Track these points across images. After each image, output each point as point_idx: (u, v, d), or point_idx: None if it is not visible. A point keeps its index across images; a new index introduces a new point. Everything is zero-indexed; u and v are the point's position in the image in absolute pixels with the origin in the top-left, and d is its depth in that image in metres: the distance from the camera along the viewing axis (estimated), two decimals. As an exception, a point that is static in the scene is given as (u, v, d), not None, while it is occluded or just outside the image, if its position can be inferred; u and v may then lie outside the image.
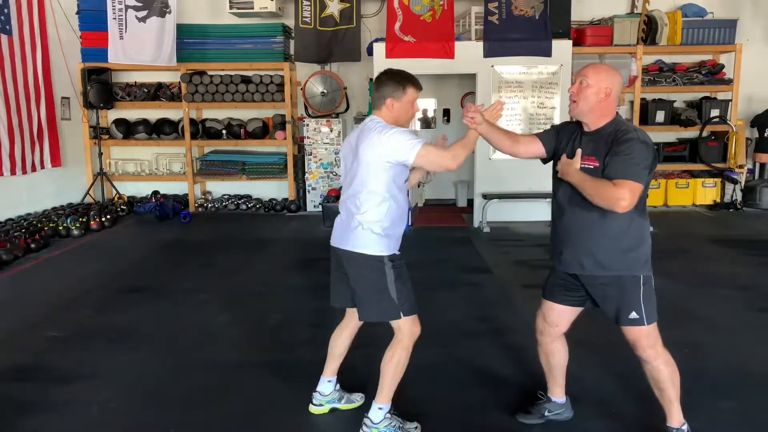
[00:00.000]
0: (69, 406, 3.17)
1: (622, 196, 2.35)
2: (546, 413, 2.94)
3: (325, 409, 3.08)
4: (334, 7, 7.98)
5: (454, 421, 3.00)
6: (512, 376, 3.47)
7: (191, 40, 8.46)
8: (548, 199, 7.57)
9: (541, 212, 7.76)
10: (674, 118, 8.56)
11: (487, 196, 7.46)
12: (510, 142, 2.79)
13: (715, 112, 8.46)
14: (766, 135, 8.55)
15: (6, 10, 7.05)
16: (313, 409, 3.08)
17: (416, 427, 2.87)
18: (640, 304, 2.53)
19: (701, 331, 4.10)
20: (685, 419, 2.68)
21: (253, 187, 9.16)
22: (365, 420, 2.82)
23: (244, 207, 8.78)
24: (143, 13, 8.01)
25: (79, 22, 8.40)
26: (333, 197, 7.84)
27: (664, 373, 2.59)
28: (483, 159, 7.62)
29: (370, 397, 3.10)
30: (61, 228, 7.02)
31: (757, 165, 8.88)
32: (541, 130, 2.87)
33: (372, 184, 2.69)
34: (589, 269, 2.59)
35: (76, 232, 7.04)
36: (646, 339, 2.57)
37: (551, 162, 2.80)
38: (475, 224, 7.62)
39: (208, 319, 4.46)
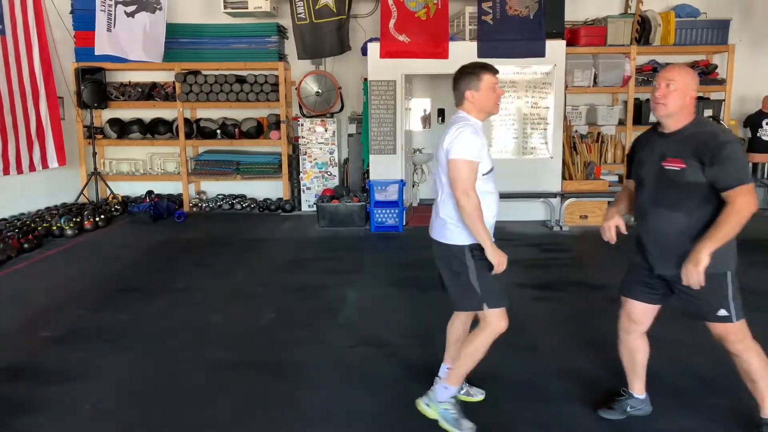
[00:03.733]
0: (62, 405, 3.18)
1: (746, 203, 2.42)
2: (628, 409, 2.98)
3: None
4: (327, -4, 7.92)
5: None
6: (505, 374, 3.49)
7: (185, 40, 8.45)
8: (541, 199, 7.63)
9: (535, 212, 7.80)
10: (668, 118, 8.57)
11: (481, 196, 7.46)
12: (632, 203, 2.87)
13: (708, 112, 8.48)
14: (758, 135, 8.60)
15: (-2, 9, 7.03)
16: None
17: (471, 428, 2.85)
18: (729, 300, 2.57)
19: (692, 329, 4.08)
20: None
21: (247, 187, 9.15)
22: (429, 392, 2.88)
23: (238, 207, 8.77)
24: (132, 8, 7.96)
25: (72, 21, 8.39)
26: (327, 197, 7.84)
27: (755, 365, 2.64)
28: (477, 159, 7.63)
29: (490, 394, 3.20)
30: (54, 228, 7.01)
31: (750, 165, 8.92)
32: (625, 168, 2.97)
33: (444, 175, 2.76)
34: (679, 269, 2.57)
35: (69, 232, 7.03)
36: (735, 334, 2.61)
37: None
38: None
39: (201, 318, 4.46)
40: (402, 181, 7.54)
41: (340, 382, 3.43)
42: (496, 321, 2.78)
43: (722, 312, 2.58)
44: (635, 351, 2.92)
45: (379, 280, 5.38)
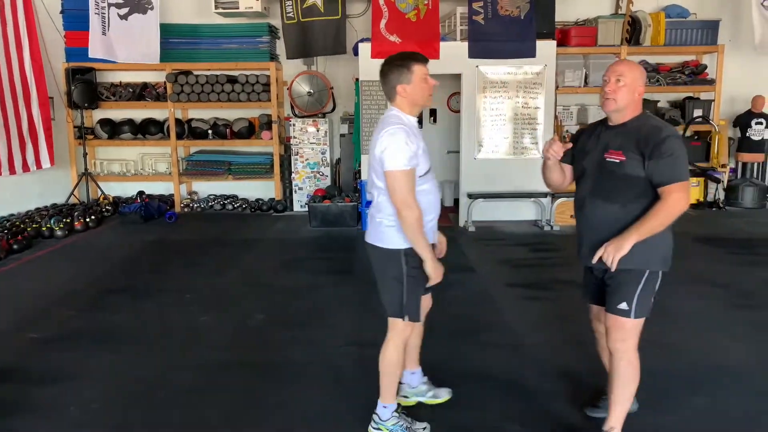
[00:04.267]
0: (50, 407, 3.17)
1: (678, 200, 2.42)
2: None
3: (411, 401, 3.10)
4: (316, -4, 7.89)
5: (437, 420, 3.01)
6: (493, 374, 3.50)
7: (176, 40, 8.43)
8: (532, 199, 7.65)
9: (525, 212, 7.81)
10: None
11: (472, 196, 7.50)
12: (563, 178, 2.86)
13: (698, 112, 8.54)
14: (747, 135, 8.67)
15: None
16: (399, 399, 3.06)
17: (425, 428, 2.87)
18: (634, 297, 2.54)
19: (681, 327, 4.16)
20: None
21: (239, 187, 9.14)
22: (374, 416, 2.84)
23: (230, 207, 8.75)
24: (125, 11, 7.97)
25: (63, 21, 8.35)
26: (319, 197, 7.84)
27: (620, 371, 2.59)
28: (468, 159, 7.66)
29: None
30: (44, 229, 6.98)
31: (739, 164, 8.98)
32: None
33: (380, 178, 2.64)
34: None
35: (59, 233, 7.00)
36: (622, 332, 2.56)
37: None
38: (461, 223, 7.65)
39: (191, 319, 4.45)
40: (393, 181, 7.52)
41: (331, 382, 3.43)
42: (403, 328, 2.75)
43: (623, 305, 2.55)
44: None
45: (370, 280, 5.36)
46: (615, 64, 2.61)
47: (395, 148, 2.52)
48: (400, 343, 2.77)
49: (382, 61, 2.72)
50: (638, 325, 2.58)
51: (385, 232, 2.68)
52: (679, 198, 2.42)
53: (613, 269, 2.47)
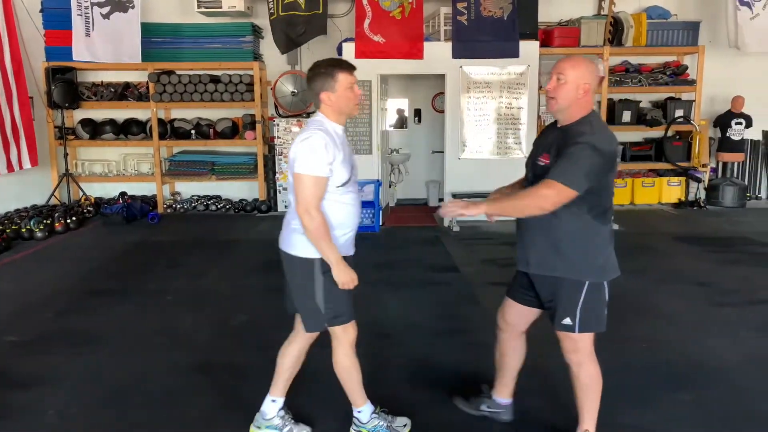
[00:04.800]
0: (27, 411, 3.12)
1: (545, 196, 2.29)
2: (482, 407, 2.95)
3: None
4: (297, -9, 7.81)
5: (419, 418, 3.00)
6: (477, 373, 3.50)
7: (159, 39, 8.36)
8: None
9: (510, 211, 7.84)
10: (640, 118, 8.73)
11: (456, 196, 7.51)
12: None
13: (679, 112, 8.64)
14: (727, 135, 8.77)
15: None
16: (252, 429, 2.87)
17: (405, 425, 2.85)
18: (576, 311, 2.46)
19: (662, 325, 4.20)
20: None
21: (222, 188, 9.07)
22: (354, 420, 2.82)
23: (213, 208, 8.69)
24: (106, 9, 7.90)
25: (42, 20, 8.24)
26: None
27: (580, 382, 2.56)
28: (452, 159, 7.68)
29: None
30: (23, 230, 6.87)
31: (720, 164, 9.09)
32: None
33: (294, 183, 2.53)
34: (534, 267, 2.54)
35: (39, 235, 6.90)
36: (569, 342, 2.52)
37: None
38: (445, 223, 7.66)
39: (172, 321, 4.41)
40: (378, 181, 7.54)
41: (312, 383, 3.41)
42: (342, 333, 2.66)
43: (567, 321, 2.48)
44: (506, 353, 2.85)
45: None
46: (558, 61, 2.47)
47: (309, 151, 2.43)
48: (347, 346, 2.68)
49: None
50: (588, 336, 2.52)
51: (300, 240, 2.53)
52: (547, 195, 2.30)
53: (444, 216, 2.39)
